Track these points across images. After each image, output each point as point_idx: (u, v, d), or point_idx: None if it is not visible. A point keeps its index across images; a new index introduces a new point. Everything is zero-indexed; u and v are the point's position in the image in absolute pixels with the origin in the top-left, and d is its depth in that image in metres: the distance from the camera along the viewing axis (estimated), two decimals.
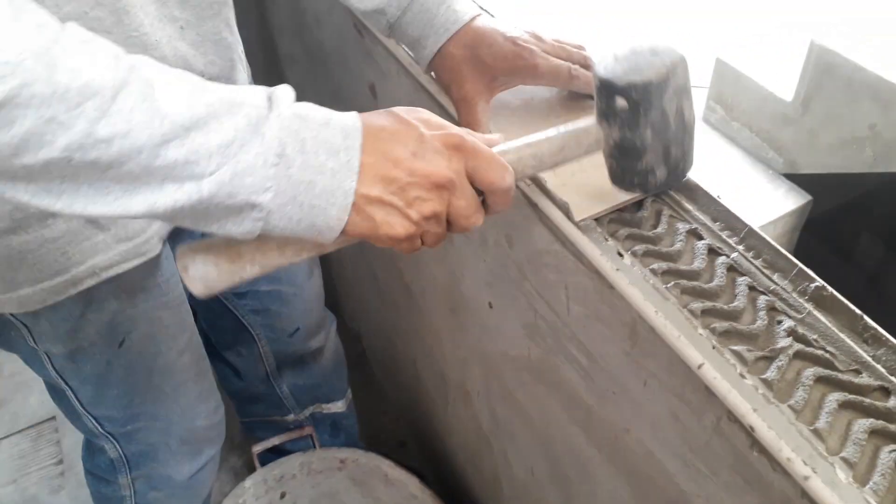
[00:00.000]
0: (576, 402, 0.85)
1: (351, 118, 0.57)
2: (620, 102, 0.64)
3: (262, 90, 0.54)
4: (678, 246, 0.67)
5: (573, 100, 0.86)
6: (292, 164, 0.53)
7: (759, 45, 2.31)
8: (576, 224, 0.71)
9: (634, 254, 0.67)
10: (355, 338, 1.98)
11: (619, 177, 0.70)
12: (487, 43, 0.79)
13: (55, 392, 1.04)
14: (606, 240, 0.69)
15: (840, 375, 0.57)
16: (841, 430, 0.54)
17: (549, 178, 0.75)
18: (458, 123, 0.81)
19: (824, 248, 2.15)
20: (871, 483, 0.51)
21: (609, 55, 0.66)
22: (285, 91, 0.55)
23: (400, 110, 0.60)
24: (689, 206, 0.71)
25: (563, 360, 0.84)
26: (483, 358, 1.11)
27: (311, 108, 0.56)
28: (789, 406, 0.55)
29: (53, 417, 1.97)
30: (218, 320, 1.30)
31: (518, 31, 0.81)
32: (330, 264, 1.87)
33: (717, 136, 2.44)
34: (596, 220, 0.71)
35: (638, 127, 0.65)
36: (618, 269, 0.66)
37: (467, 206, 0.61)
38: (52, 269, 0.82)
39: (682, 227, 0.69)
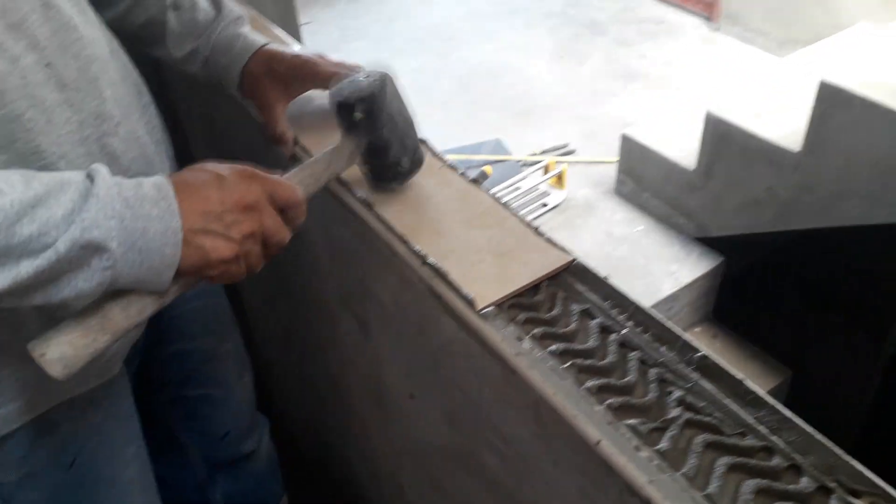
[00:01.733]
0: (498, 486, 0.86)
1: (156, 177, 0.67)
2: (357, 115, 0.84)
3: (76, 171, 0.63)
4: (573, 326, 0.71)
5: None
6: (125, 217, 0.61)
7: (660, 118, 2.43)
8: (478, 313, 0.74)
9: (533, 337, 0.70)
10: (290, 440, 1.94)
11: (378, 176, 0.89)
12: (278, 59, 0.98)
13: None
14: (507, 325, 0.72)
15: (727, 440, 0.60)
16: (731, 492, 0.57)
17: (451, 269, 0.78)
18: (263, 126, 1.00)
19: (744, 305, 2.24)
20: None
21: (335, 87, 0.86)
22: (99, 166, 0.64)
23: (194, 166, 0.72)
24: (580, 288, 0.75)
25: (482, 445, 0.86)
26: (411, 449, 1.12)
27: (120, 178, 0.64)
28: (682, 474, 0.58)
29: None
30: (145, 428, 1.27)
31: (304, 51, 1.00)
32: (260, 367, 1.85)
33: (629, 208, 2.55)
34: (497, 306, 0.74)
35: (376, 128, 0.85)
36: (518, 354, 0.69)
37: (274, 224, 0.72)
38: (7, 395, 0.81)
39: (576, 307, 0.73)
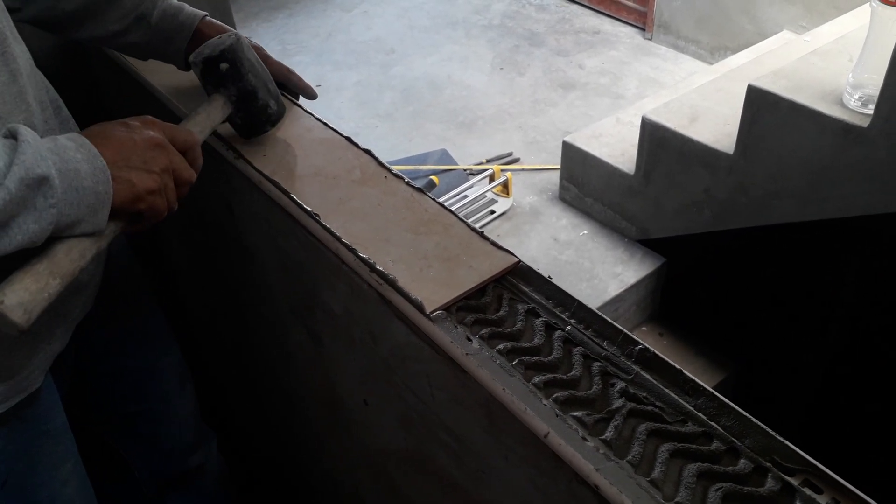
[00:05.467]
0: (454, 487, 0.88)
1: (68, 134, 0.72)
2: (223, 66, 0.93)
3: None
4: (519, 325, 0.73)
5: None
6: (57, 160, 0.67)
7: (599, 125, 2.48)
8: (427, 316, 0.76)
9: (482, 337, 0.72)
10: (243, 457, 1.92)
11: (249, 125, 0.99)
12: (229, 29, 1.04)
13: None
14: (456, 327, 0.74)
15: (669, 427, 0.63)
16: (674, 476, 0.60)
17: (399, 275, 0.80)
18: None
19: (688, 304, 2.30)
20: None
21: (195, 52, 0.95)
22: (12, 124, 0.68)
23: (95, 125, 0.77)
24: (525, 288, 0.78)
25: (437, 447, 0.87)
26: (368, 457, 1.12)
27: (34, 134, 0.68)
28: (628, 461, 0.61)
29: None
30: (87, 449, 1.25)
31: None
32: (209, 384, 1.83)
33: (574, 213, 2.60)
34: (445, 309, 0.76)
35: (242, 76, 0.94)
36: (467, 354, 0.71)
37: (181, 162, 0.81)
38: None
39: (522, 307, 0.75)
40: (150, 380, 1.21)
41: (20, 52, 0.83)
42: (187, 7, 1.06)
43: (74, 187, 0.67)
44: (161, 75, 1.19)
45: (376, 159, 0.99)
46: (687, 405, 0.65)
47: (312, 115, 1.10)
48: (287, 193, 0.93)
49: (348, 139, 1.04)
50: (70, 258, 0.71)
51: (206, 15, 1.07)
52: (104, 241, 0.75)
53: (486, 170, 2.81)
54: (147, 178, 0.76)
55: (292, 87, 1.12)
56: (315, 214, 0.90)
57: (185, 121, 0.91)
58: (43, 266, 0.69)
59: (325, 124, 1.08)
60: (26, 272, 0.68)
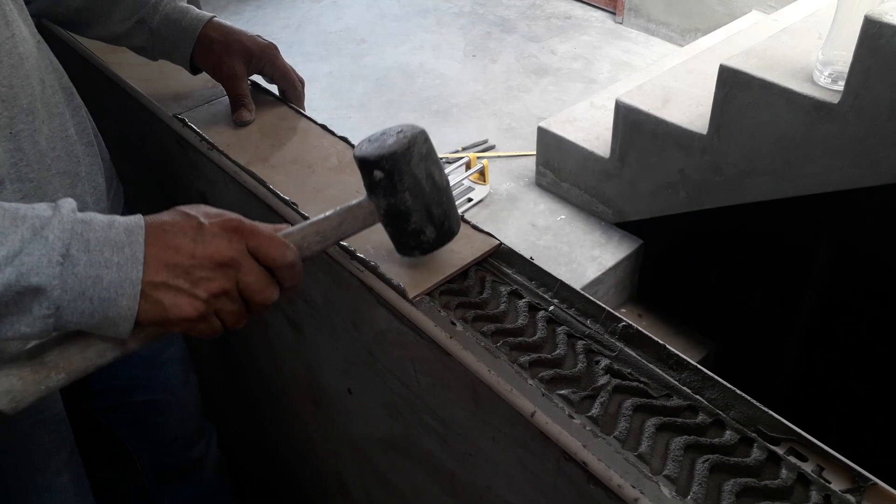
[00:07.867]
0: (440, 470, 0.88)
1: (135, 218, 0.62)
2: (377, 174, 0.74)
3: (47, 203, 0.59)
4: (503, 307, 0.73)
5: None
6: (78, 262, 0.57)
7: (573, 110, 2.48)
8: (410, 301, 0.75)
9: (466, 320, 0.72)
10: (229, 450, 1.91)
11: (399, 243, 0.79)
12: (238, 32, 1.01)
13: None
14: (440, 311, 0.74)
15: (654, 402, 0.64)
16: (661, 450, 0.60)
17: (381, 261, 0.79)
18: (231, 94, 1.04)
19: (666, 285, 2.31)
20: (691, 493, 0.57)
21: (364, 140, 0.77)
22: (68, 201, 0.60)
23: (183, 207, 0.65)
24: (507, 270, 0.77)
25: (423, 432, 0.87)
26: (352, 445, 1.12)
27: (95, 214, 0.60)
28: (615, 437, 0.61)
29: None
30: (90, 436, 1.24)
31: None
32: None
33: (550, 198, 2.60)
34: (428, 294, 0.76)
35: (397, 192, 0.74)
36: (451, 337, 0.70)
37: (257, 282, 0.65)
38: None
39: (504, 289, 0.75)
40: (155, 371, 1.21)
41: (29, 35, 0.82)
42: (193, 11, 1.01)
43: (89, 296, 0.58)
44: (129, 67, 1.17)
45: (353, 146, 0.98)
46: (671, 379, 0.65)
47: (286, 103, 1.09)
48: (263, 183, 0.92)
49: (323, 127, 1.04)
50: (84, 356, 0.62)
51: (214, 16, 1.02)
52: (132, 346, 0.65)
53: (462, 158, 2.80)
54: (187, 303, 0.62)
55: (289, 95, 1.08)
56: (293, 203, 0.89)
57: (308, 224, 0.74)
58: (51, 357, 0.61)
59: (299, 112, 1.07)
60: (31, 357, 0.60)
